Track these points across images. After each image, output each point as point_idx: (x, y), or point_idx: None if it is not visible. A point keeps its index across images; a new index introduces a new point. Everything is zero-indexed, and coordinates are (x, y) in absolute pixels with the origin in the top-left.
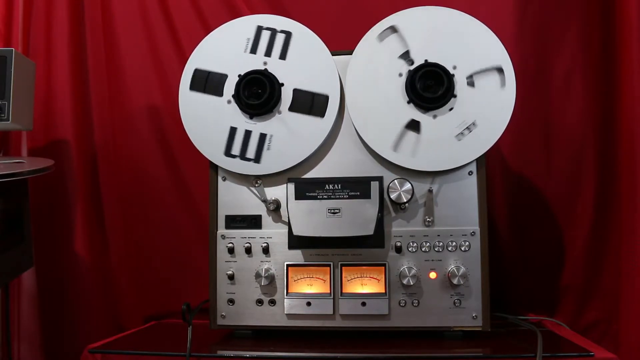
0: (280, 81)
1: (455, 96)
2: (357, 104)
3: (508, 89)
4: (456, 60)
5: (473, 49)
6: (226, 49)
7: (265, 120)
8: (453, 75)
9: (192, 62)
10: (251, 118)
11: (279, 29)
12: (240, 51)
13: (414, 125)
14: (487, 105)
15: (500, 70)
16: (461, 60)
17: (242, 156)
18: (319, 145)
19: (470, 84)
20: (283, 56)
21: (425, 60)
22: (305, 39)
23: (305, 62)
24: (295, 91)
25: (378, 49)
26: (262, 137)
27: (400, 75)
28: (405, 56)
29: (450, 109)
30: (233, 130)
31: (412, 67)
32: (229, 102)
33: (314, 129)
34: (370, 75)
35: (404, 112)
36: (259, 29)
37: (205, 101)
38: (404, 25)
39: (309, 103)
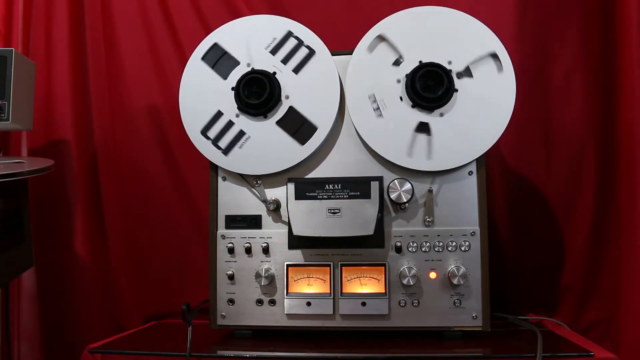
0: (285, 93)
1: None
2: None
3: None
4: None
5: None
6: (251, 37)
7: (252, 121)
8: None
9: (214, 36)
10: (241, 112)
11: (305, 42)
12: (262, 46)
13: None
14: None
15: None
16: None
17: (215, 142)
18: (287, 167)
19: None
20: (297, 70)
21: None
22: (324, 63)
23: (313, 86)
24: (290, 109)
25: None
26: (240, 134)
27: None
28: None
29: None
30: (218, 115)
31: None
32: (232, 88)
33: (290, 151)
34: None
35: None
36: (289, 34)
37: (208, 76)
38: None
39: (297, 126)
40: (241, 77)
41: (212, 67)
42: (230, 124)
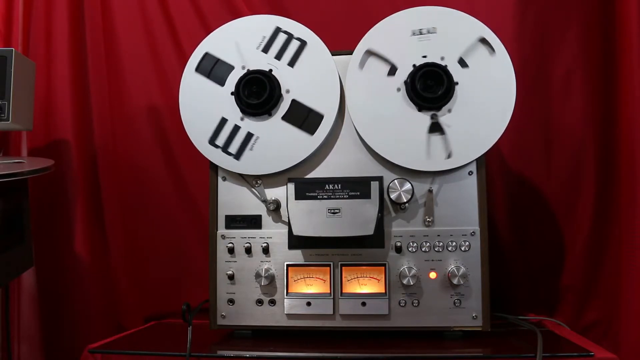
0: (285, 88)
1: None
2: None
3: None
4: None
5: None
6: (240, 40)
7: (258, 121)
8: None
9: (203, 46)
10: (245, 115)
11: (295, 35)
12: (253, 47)
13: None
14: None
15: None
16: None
17: (225, 149)
18: (302, 159)
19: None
20: (292, 64)
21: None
22: (318, 52)
23: (311, 76)
24: (293, 102)
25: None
26: (249, 136)
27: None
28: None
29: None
30: (223, 121)
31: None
32: (231, 93)
33: (301, 143)
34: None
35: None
36: (277, 30)
37: (205, 86)
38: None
39: (303, 117)
40: (239, 80)
41: (208, 77)
42: (236, 128)
